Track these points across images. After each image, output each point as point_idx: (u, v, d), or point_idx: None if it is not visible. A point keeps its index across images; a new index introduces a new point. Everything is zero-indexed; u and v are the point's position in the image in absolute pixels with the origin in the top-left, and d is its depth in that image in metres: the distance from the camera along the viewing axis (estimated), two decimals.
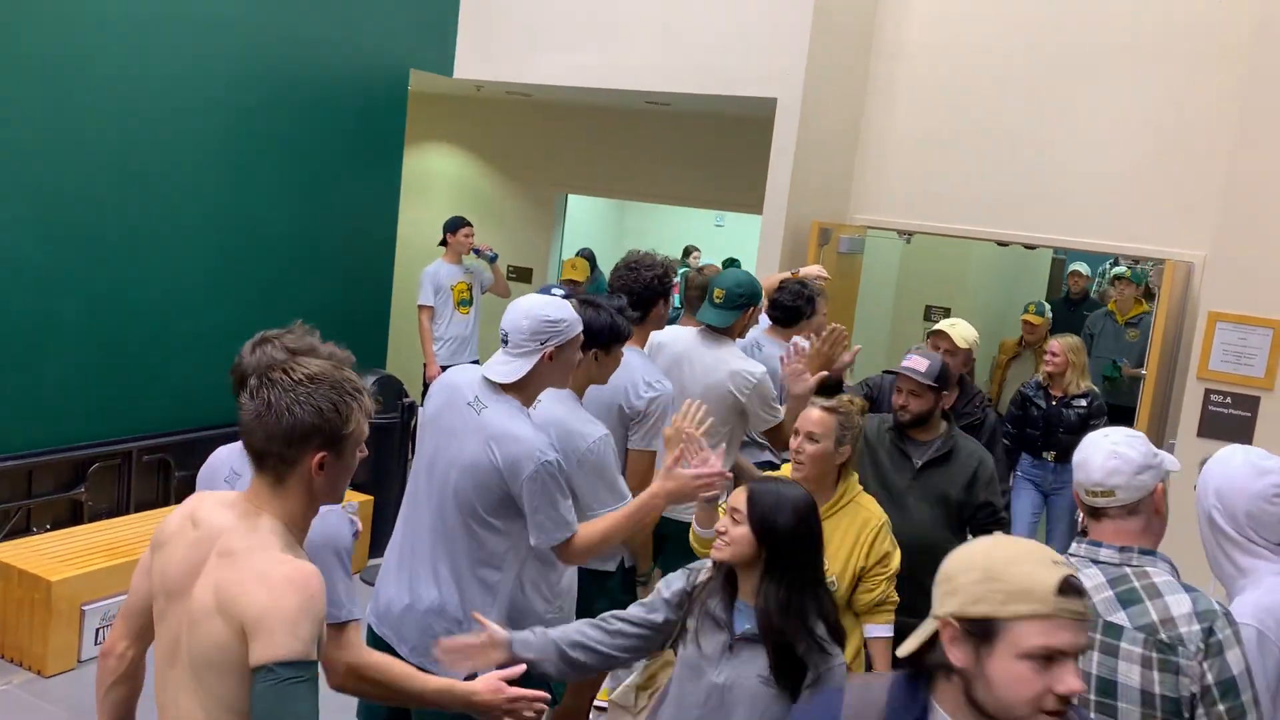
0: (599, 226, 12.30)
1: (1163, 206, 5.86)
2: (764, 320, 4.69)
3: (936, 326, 4.43)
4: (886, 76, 6.59)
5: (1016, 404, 5.89)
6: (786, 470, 3.26)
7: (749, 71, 6.13)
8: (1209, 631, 2.05)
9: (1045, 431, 5.71)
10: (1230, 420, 5.03)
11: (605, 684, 4.29)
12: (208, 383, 5.71)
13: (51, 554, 4.63)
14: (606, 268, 11.03)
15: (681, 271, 10.72)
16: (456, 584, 2.75)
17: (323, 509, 2.09)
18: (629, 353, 3.52)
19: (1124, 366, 7.26)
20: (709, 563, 2.51)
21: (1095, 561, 2.21)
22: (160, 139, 5.37)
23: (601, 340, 3.07)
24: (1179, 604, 2.09)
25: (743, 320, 4.08)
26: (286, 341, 2.38)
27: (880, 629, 3.15)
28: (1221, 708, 2.03)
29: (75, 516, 5.22)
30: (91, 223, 5.13)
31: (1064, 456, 5.48)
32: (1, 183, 4.77)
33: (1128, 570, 2.18)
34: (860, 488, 3.23)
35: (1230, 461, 2.42)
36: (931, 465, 3.67)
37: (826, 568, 2.73)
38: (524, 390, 2.80)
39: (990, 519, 3.68)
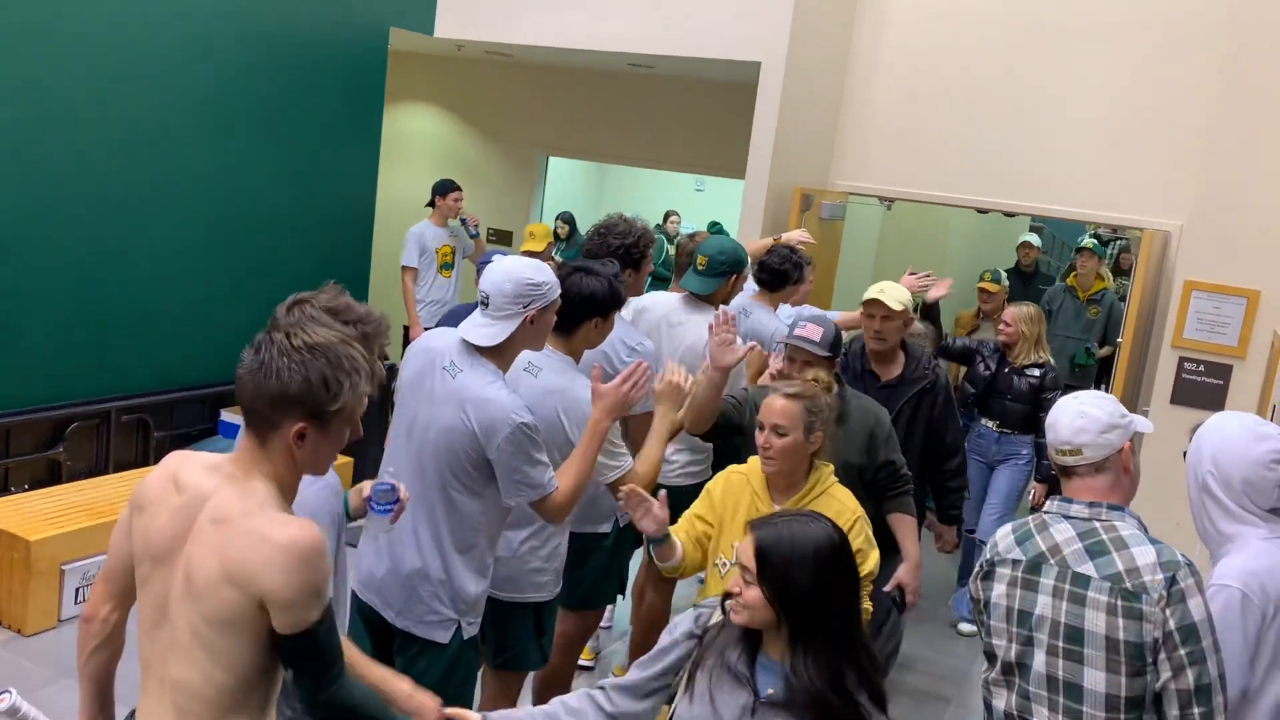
0: (579, 190, 12.27)
1: (1141, 176, 5.91)
2: (750, 286, 4.72)
3: (866, 295, 4.07)
4: (869, 43, 6.58)
5: (970, 359, 5.61)
6: (754, 465, 2.98)
7: (733, 35, 6.10)
8: (1171, 580, 2.14)
9: (985, 393, 5.43)
10: (1203, 388, 5.11)
11: (589, 644, 4.35)
12: (187, 343, 5.71)
13: (31, 513, 4.61)
14: (585, 229, 11.04)
15: (659, 237, 10.72)
16: (437, 548, 2.77)
17: (305, 482, 2.09)
18: None
19: (1094, 351, 7.21)
20: (717, 600, 2.16)
21: (1066, 517, 2.31)
22: (139, 101, 5.30)
23: (602, 308, 3.06)
24: (1144, 555, 2.18)
25: (726, 287, 4.09)
26: (322, 301, 2.37)
27: None
28: (1182, 652, 2.12)
29: (54, 476, 5.20)
30: (71, 184, 5.07)
31: (1008, 425, 5.37)
32: None
33: (1096, 524, 2.27)
34: (835, 478, 2.98)
35: (1225, 428, 2.44)
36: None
37: None
38: (502, 354, 2.79)
39: (890, 479, 3.51)
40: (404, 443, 2.84)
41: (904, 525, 3.53)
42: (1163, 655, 2.15)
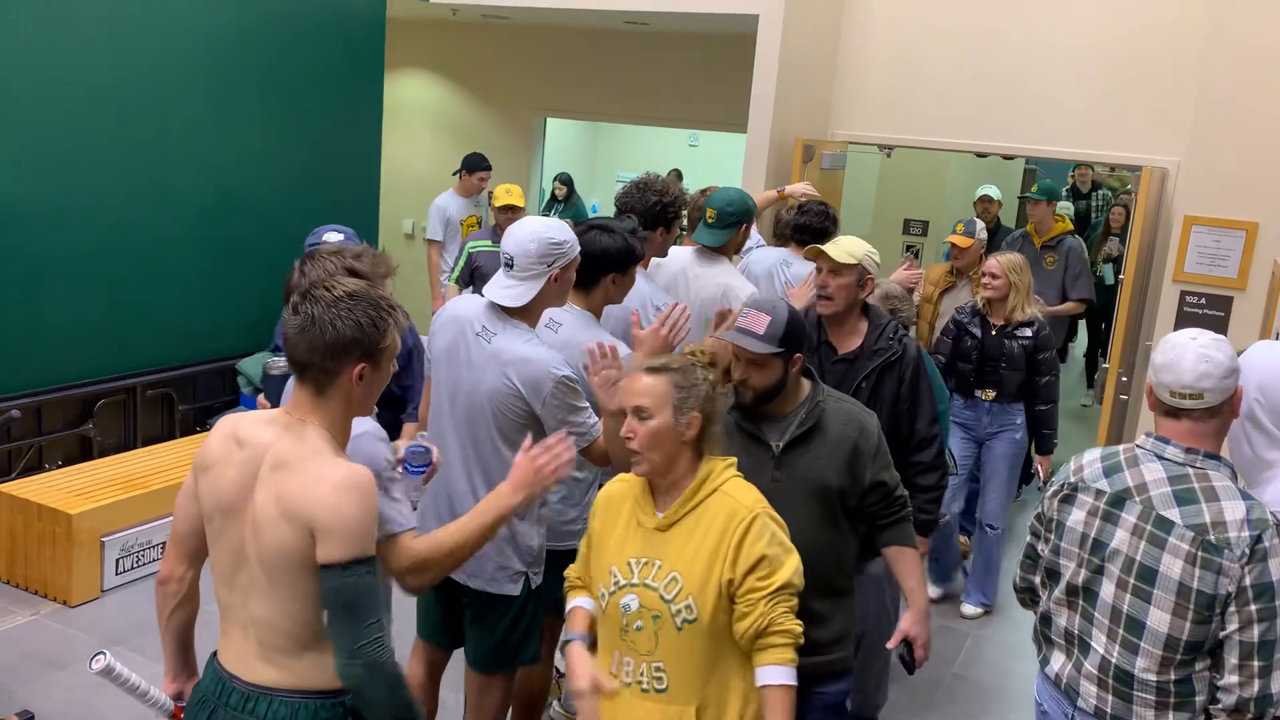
0: (572, 149, 12.28)
1: (1138, 113, 5.97)
2: (756, 237, 4.80)
3: (813, 246, 3.47)
4: None
5: (949, 334, 5.00)
6: (625, 481, 2.48)
7: None
8: (1257, 539, 2.17)
9: (980, 366, 4.87)
10: (1205, 320, 5.22)
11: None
12: (203, 316, 5.79)
13: (67, 489, 4.73)
14: (580, 191, 11.08)
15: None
16: None
17: (355, 432, 2.22)
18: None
19: (1040, 305, 6.07)
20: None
21: (1160, 457, 2.33)
22: (145, 75, 5.34)
23: (618, 263, 3.13)
24: (1234, 510, 2.21)
25: (736, 237, 4.17)
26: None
27: (773, 673, 2.25)
28: (1254, 608, 2.17)
29: (85, 452, 5.31)
30: (84, 163, 5.13)
31: (1004, 395, 4.85)
32: None
33: (1190, 471, 2.29)
34: (732, 472, 2.38)
35: (1273, 356, 2.49)
36: (796, 446, 2.68)
37: (680, 588, 2.25)
38: (529, 313, 2.88)
39: (883, 504, 2.76)
40: (448, 412, 2.93)
41: (904, 561, 2.82)
42: (1233, 608, 2.19)
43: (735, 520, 2.27)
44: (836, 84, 6.76)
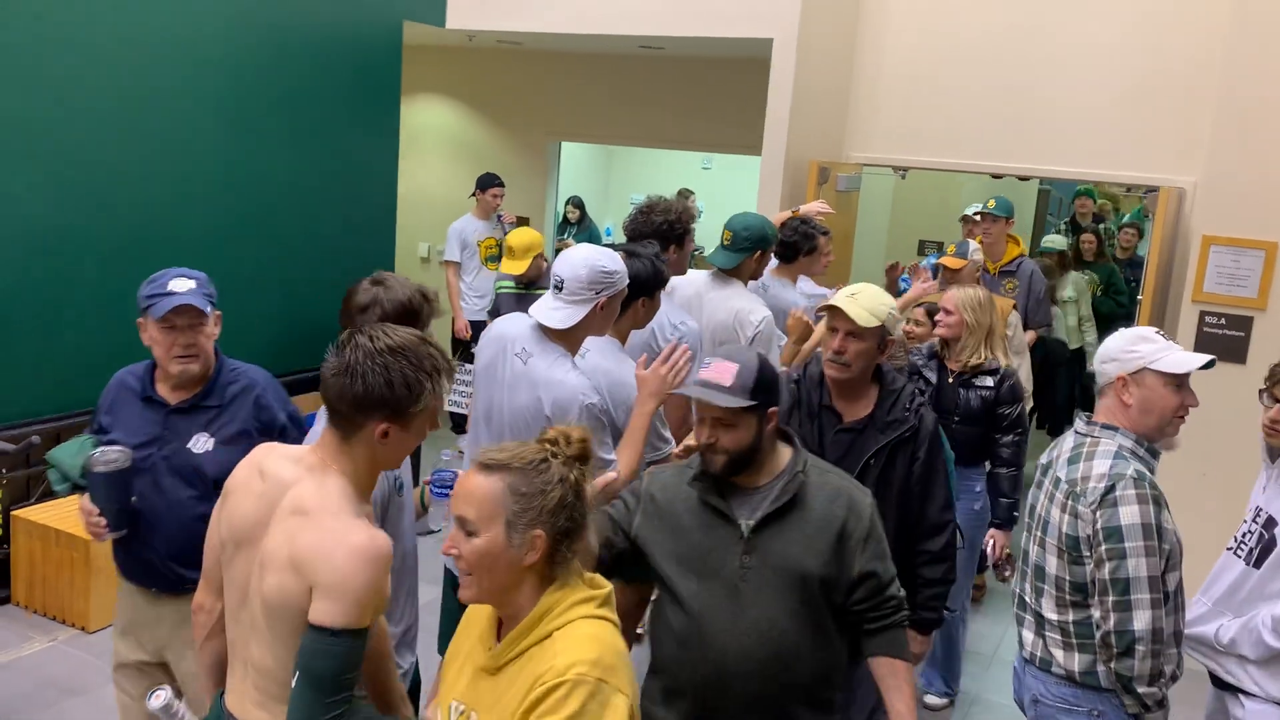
0: (587, 173, 12.34)
1: (1154, 133, 5.96)
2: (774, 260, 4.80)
3: (829, 301, 3.01)
4: (877, 12, 6.63)
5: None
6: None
7: (745, 11, 6.16)
8: (1110, 489, 2.48)
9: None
10: (1225, 340, 5.18)
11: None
12: (222, 341, 5.76)
13: None
14: (594, 214, 11.10)
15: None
16: None
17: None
18: None
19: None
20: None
21: (1075, 431, 2.70)
22: (163, 99, 5.39)
23: (648, 288, 3.15)
24: (1100, 466, 2.54)
25: (751, 263, 4.14)
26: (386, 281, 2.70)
27: None
28: (1103, 548, 2.48)
29: None
30: (101, 186, 5.17)
31: (961, 456, 3.88)
32: (14, 154, 4.81)
33: (1087, 439, 2.64)
34: (588, 610, 1.80)
35: None
36: (770, 525, 2.28)
37: None
38: (571, 337, 2.92)
39: (872, 601, 2.32)
40: (484, 428, 2.98)
41: (892, 675, 2.36)
42: (1089, 551, 2.51)
43: (538, 683, 1.70)
44: (851, 106, 6.78)
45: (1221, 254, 5.22)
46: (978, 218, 6.07)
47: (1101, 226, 9.54)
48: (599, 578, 1.89)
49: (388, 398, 1.93)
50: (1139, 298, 5.78)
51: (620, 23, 6.58)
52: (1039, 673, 2.67)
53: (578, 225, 10.31)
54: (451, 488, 2.66)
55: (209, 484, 2.82)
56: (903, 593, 2.41)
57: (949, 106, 6.46)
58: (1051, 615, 2.62)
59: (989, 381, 4.12)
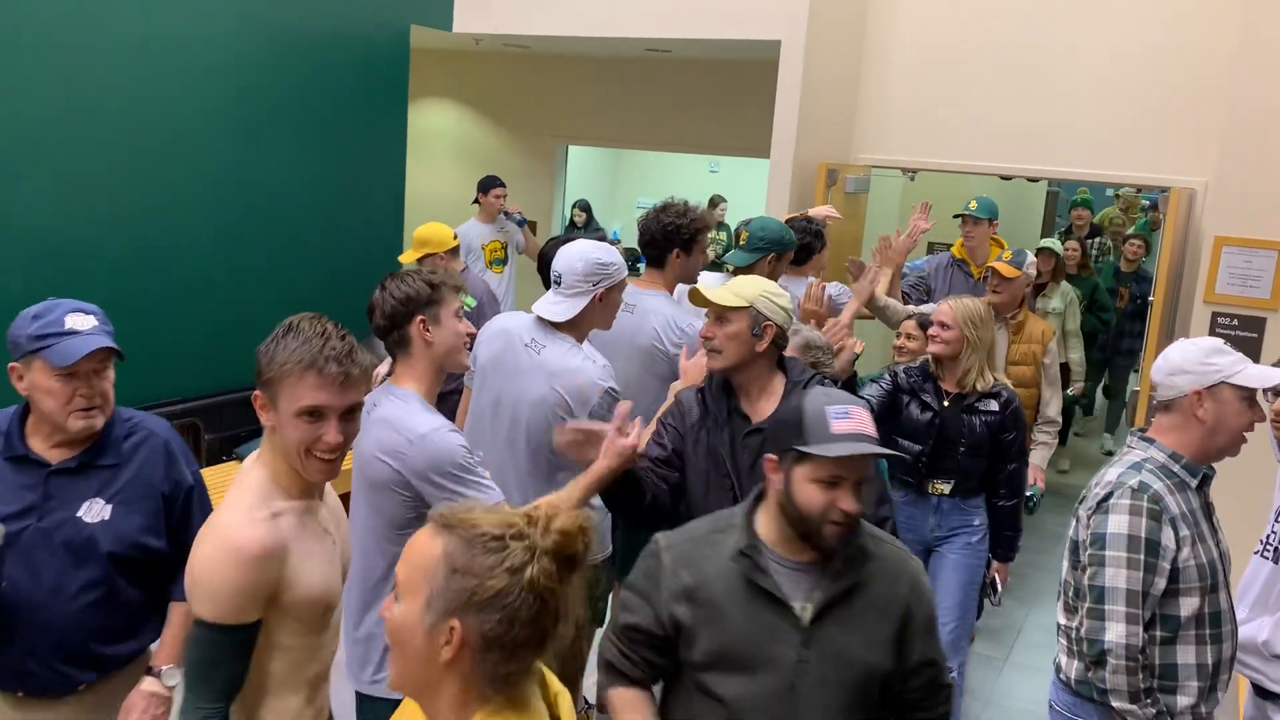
0: (594, 176, 12.34)
1: (1164, 134, 5.93)
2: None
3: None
4: (885, 13, 6.61)
5: (883, 394, 3.78)
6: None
7: (753, 13, 6.15)
8: (1107, 496, 2.41)
9: (937, 448, 3.68)
10: (1237, 341, 5.08)
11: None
12: (229, 345, 5.79)
13: None
14: (601, 217, 11.09)
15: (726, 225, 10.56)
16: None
17: (432, 426, 2.31)
18: (656, 298, 3.61)
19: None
20: None
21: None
22: (167, 106, 5.39)
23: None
24: (1111, 473, 2.47)
25: (763, 265, 4.12)
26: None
27: None
28: (1089, 553, 2.44)
29: None
30: (107, 193, 5.17)
31: (963, 488, 3.70)
32: (21, 160, 4.81)
33: (1124, 448, 2.57)
34: None
35: None
36: (832, 610, 1.97)
37: None
38: (576, 328, 2.99)
39: (926, 692, 2.07)
40: (489, 422, 3.00)
41: None
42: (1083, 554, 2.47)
43: None
44: (859, 108, 6.76)
45: (1233, 255, 5.19)
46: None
47: (1097, 240, 9.13)
48: None
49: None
50: (1150, 302, 5.74)
51: (627, 25, 6.58)
52: (1054, 678, 2.66)
53: (584, 228, 10.31)
54: None
55: (103, 561, 2.33)
56: (952, 678, 2.17)
57: (958, 108, 6.44)
58: (1061, 619, 2.60)
59: (993, 405, 3.69)
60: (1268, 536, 2.92)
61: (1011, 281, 4.67)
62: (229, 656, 1.84)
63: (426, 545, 1.36)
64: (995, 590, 3.91)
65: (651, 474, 2.60)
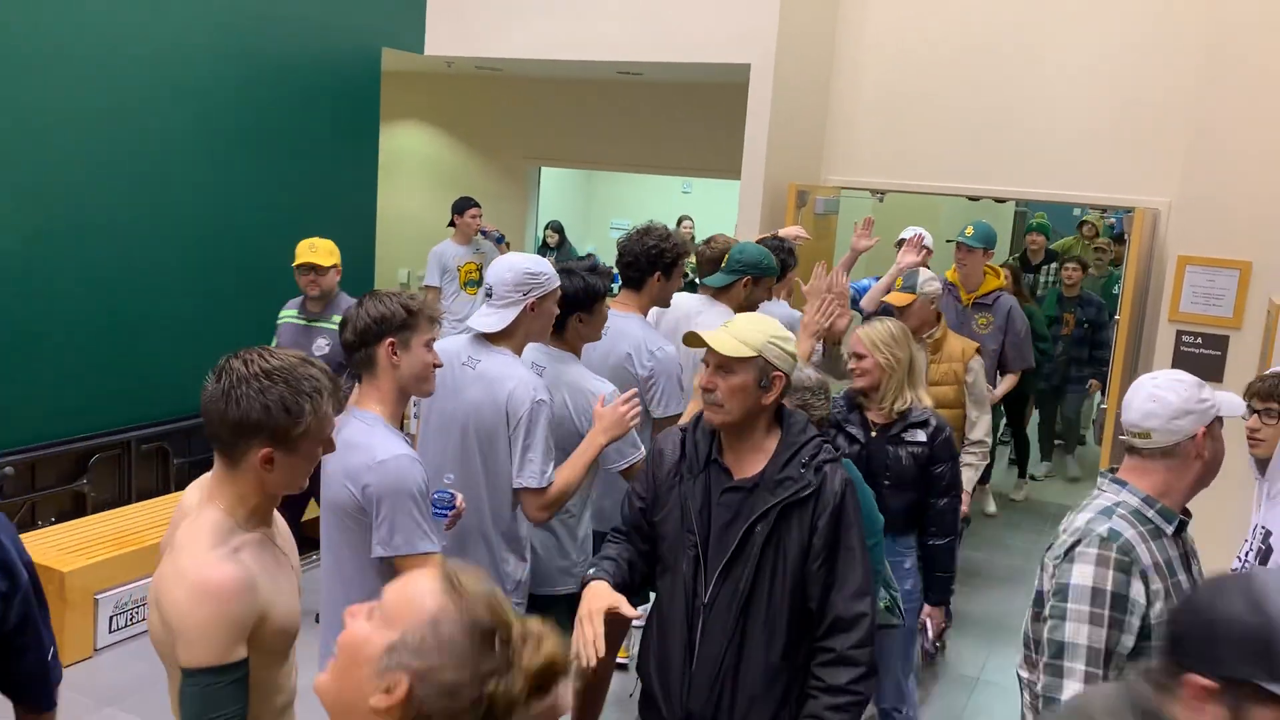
0: (568, 197, 12.35)
1: (1128, 155, 6.02)
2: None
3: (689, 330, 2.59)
4: (854, 37, 6.68)
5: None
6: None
7: (722, 37, 6.20)
8: (1074, 544, 2.20)
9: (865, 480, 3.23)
10: (1201, 359, 5.22)
11: (624, 643, 4.42)
12: (198, 368, 5.73)
13: (60, 545, 4.67)
14: (574, 238, 11.08)
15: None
16: (485, 543, 2.96)
17: (393, 453, 2.34)
18: (629, 320, 3.64)
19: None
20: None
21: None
22: (137, 126, 5.37)
23: (581, 303, 3.22)
24: (1079, 520, 2.26)
25: (737, 288, 4.10)
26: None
27: None
28: (1050, 605, 2.21)
29: (79, 508, 5.26)
30: (75, 215, 5.14)
31: (893, 526, 3.37)
32: None
33: (1091, 495, 2.34)
34: None
35: None
36: None
37: None
38: (511, 339, 3.01)
39: None
40: (433, 440, 3.03)
41: None
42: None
43: None
44: (828, 130, 6.82)
45: (1196, 274, 5.27)
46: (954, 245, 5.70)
47: (1051, 266, 8.43)
48: None
49: (264, 422, 1.86)
50: (1104, 324, 5.79)
51: (598, 48, 6.61)
52: None
53: (558, 249, 10.31)
54: (451, 508, 2.72)
55: None
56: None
57: (926, 129, 6.51)
58: (1022, 673, 2.38)
59: (921, 436, 3.45)
60: (1244, 554, 2.91)
61: (908, 308, 4.43)
62: (230, 697, 1.81)
63: (425, 592, 1.25)
64: (928, 636, 3.67)
65: (628, 552, 2.46)
